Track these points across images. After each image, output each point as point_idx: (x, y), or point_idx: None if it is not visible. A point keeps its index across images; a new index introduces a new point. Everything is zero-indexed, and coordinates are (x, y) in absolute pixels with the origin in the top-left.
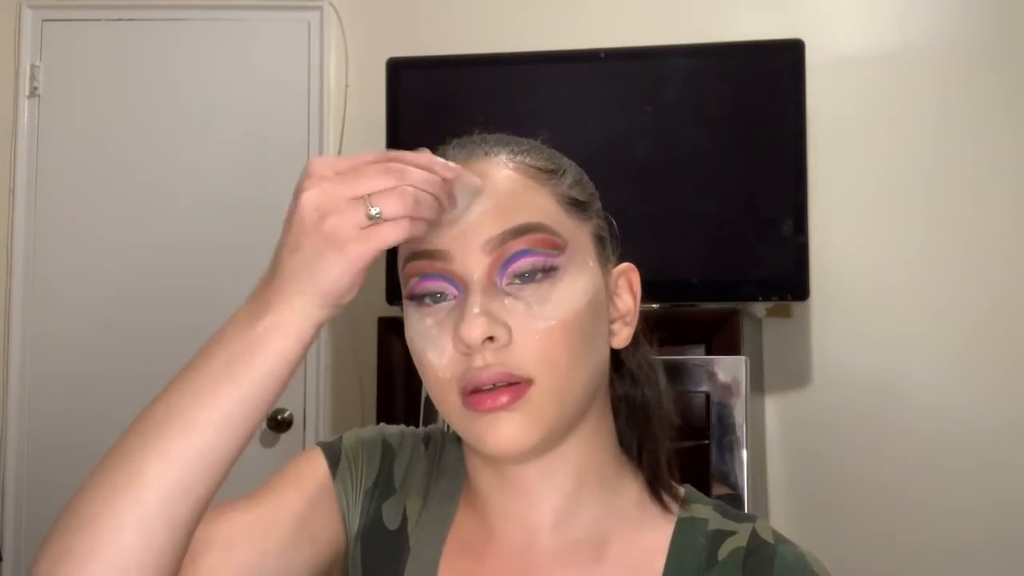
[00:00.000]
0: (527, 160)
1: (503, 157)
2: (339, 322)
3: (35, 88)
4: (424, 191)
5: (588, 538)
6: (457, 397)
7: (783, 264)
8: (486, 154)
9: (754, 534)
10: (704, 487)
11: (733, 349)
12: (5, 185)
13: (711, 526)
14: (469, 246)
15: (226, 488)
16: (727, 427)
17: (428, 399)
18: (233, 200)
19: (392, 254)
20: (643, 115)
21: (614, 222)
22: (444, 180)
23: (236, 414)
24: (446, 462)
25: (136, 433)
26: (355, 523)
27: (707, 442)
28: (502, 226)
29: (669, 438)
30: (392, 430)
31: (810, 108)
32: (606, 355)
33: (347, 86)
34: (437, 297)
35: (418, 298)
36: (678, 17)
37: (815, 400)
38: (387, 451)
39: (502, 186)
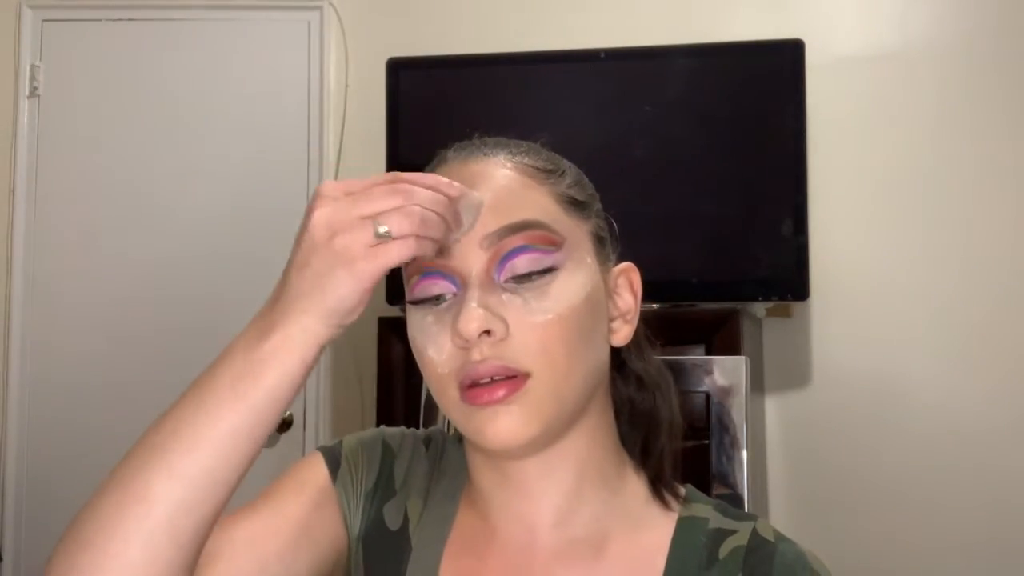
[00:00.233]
0: (526, 160)
1: (502, 157)
2: None
3: (35, 88)
4: (431, 211)
5: (589, 536)
6: (456, 392)
7: (783, 264)
8: (485, 155)
9: (755, 533)
10: (704, 487)
11: (733, 349)
12: (5, 185)
13: (712, 525)
14: (467, 242)
15: None
16: (727, 427)
17: (428, 399)
18: (233, 200)
19: None
20: (643, 115)
21: (614, 223)
22: (449, 199)
23: (242, 431)
24: (447, 463)
25: (143, 449)
26: (356, 525)
27: (707, 442)
28: (500, 222)
29: (678, 444)
30: (392, 432)
31: (810, 108)
32: (606, 352)
33: (347, 86)
34: (437, 300)
35: (418, 302)
36: (678, 17)
37: (815, 400)
38: (387, 453)
39: (500, 184)
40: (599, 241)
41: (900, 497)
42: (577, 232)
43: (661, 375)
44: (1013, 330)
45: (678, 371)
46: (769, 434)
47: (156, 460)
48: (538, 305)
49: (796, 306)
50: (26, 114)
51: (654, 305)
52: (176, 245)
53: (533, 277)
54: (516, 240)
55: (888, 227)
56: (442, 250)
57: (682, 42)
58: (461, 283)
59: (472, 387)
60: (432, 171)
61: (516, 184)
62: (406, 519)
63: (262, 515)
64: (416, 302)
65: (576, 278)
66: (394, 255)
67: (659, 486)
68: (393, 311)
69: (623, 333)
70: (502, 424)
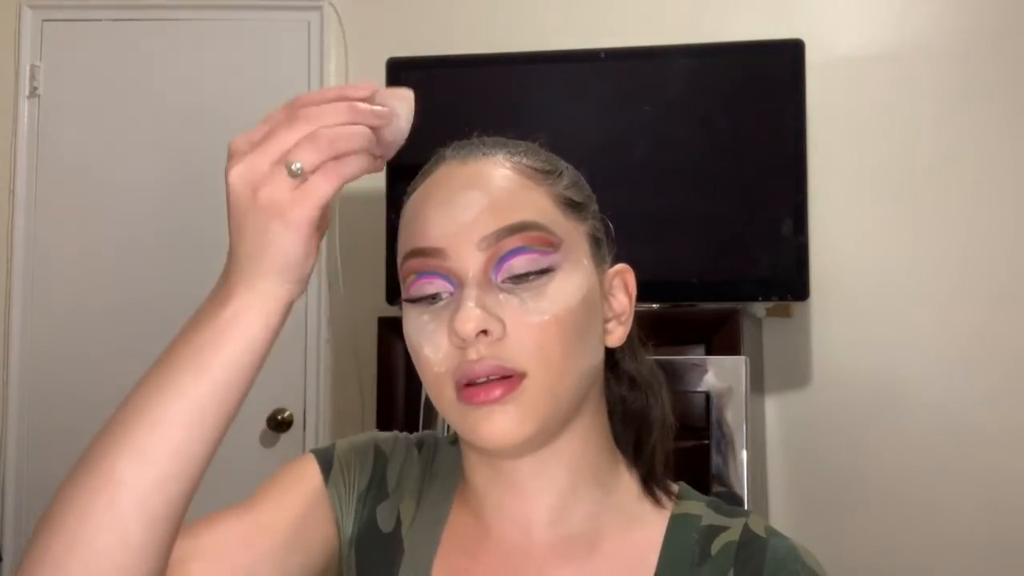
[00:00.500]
0: (524, 160)
1: (500, 157)
2: (339, 322)
3: (35, 88)
4: (343, 124)
5: (582, 534)
6: (452, 391)
7: (783, 264)
8: (484, 155)
9: (746, 528)
10: (704, 487)
11: (733, 349)
12: (5, 185)
13: (704, 522)
14: (465, 243)
15: (226, 489)
16: (727, 427)
17: (428, 399)
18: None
19: (392, 254)
20: (643, 115)
21: (611, 225)
22: (362, 101)
23: (208, 406)
24: (439, 465)
25: (108, 431)
26: (348, 528)
27: (707, 442)
28: (498, 223)
29: (670, 443)
30: (384, 437)
31: (810, 108)
32: (600, 353)
33: None
34: (434, 299)
35: (415, 300)
36: (678, 17)
37: (815, 400)
38: (379, 456)
39: (499, 184)
40: (595, 242)
41: (900, 497)
42: (574, 233)
43: (653, 375)
44: (1013, 330)
45: (678, 371)
46: (769, 434)
47: (122, 441)
48: (535, 305)
49: (796, 306)
50: (26, 114)
51: (654, 305)
52: (176, 244)
53: (530, 277)
54: (514, 241)
55: (888, 227)
56: (386, 150)
57: (682, 42)
58: (458, 283)
59: (468, 386)
60: (430, 170)
61: (514, 184)
62: (399, 521)
63: (254, 513)
64: (412, 300)
65: (573, 279)
66: (322, 190)
67: (651, 484)
68: (393, 311)
69: (618, 334)
70: (498, 423)
